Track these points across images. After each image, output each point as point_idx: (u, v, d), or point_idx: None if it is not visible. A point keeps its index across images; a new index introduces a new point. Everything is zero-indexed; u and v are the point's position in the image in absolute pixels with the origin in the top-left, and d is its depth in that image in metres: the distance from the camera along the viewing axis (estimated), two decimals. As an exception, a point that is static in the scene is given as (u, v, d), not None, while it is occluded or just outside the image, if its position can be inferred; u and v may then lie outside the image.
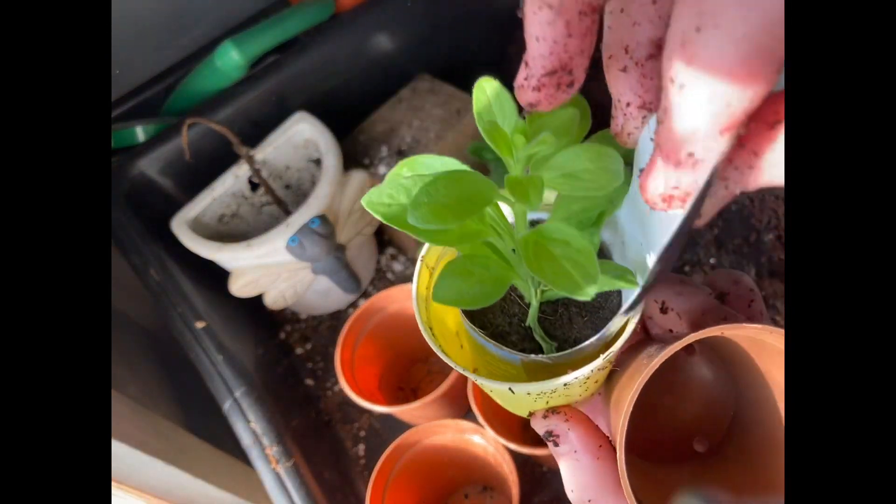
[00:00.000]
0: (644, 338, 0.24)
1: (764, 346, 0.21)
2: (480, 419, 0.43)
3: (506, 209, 0.21)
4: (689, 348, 0.26)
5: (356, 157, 0.57)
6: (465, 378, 0.48)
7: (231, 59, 0.58)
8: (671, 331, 0.23)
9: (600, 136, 0.21)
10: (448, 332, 0.25)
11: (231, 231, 0.57)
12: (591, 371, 0.19)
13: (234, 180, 0.55)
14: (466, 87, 0.59)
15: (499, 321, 0.23)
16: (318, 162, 0.58)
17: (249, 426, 0.46)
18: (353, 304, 0.62)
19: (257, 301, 0.55)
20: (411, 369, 0.57)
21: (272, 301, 0.54)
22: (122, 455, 0.46)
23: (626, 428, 0.19)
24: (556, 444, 0.23)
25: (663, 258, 0.16)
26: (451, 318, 0.25)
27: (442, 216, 0.17)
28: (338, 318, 0.62)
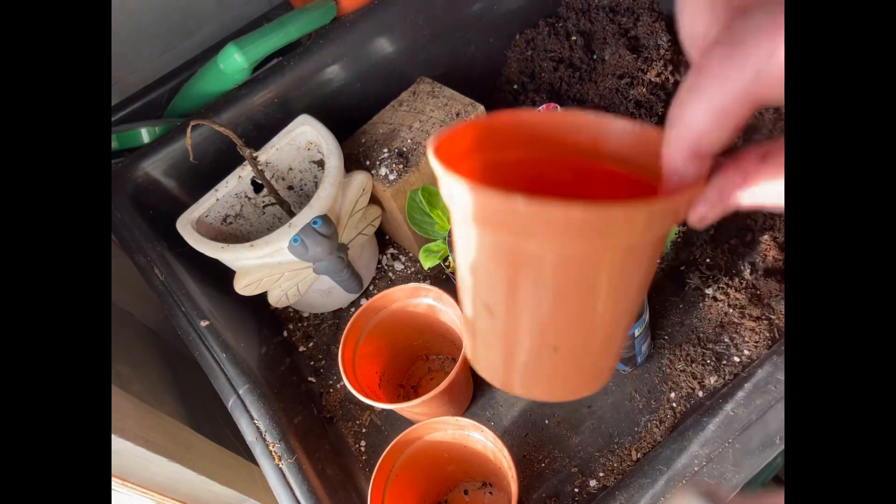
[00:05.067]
0: None
1: None
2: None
3: None
4: None
5: (358, 158, 0.58)
6: (465, 376, 0.49)
7: (234, 62, 0.59)
8: None
9: None
10: None
11: (235, 231, 0.57)
12: None
13: (237, 181, 0.56)
14: (466, 90, 0.60)
15: None
16: (320, 163, 0.59)
17: (253, 423, 0.47)
18: (355, 303, 0.63)
19: (261, 300, 0.55)
20: (412, 367, 0.58)
21: (275, 300, 0.55)
22: (127, 452, 0.47)
23: None
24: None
25: None
26: None
27: None
28: (340, 316, 0.63)
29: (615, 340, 0.25)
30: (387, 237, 0.66)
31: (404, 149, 0.57)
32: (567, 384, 0.25)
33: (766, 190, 0.19)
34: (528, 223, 0.19)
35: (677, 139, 0.19)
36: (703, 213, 0.20)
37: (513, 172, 0.26)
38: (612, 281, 0.21)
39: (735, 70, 0.16)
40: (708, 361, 0.52)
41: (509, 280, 0.21)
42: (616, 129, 0.24)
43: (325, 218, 0.50)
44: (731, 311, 0.53)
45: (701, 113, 0.17)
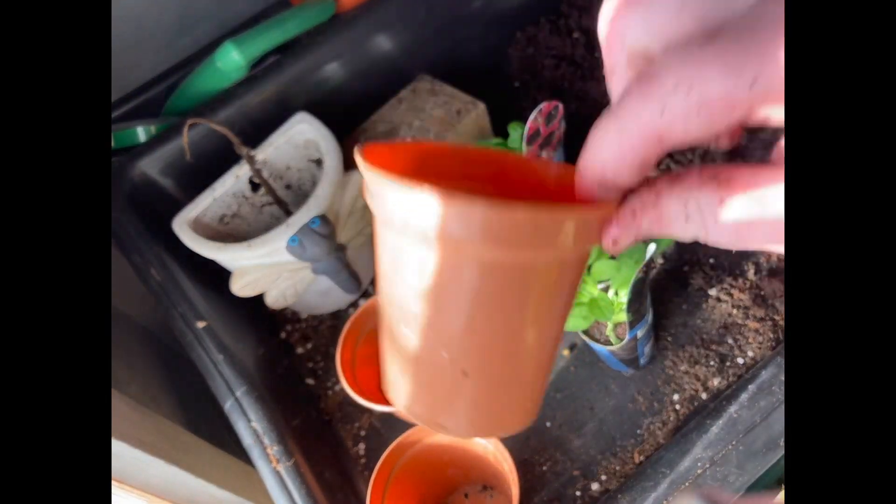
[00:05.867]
0: None
1: None
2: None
3: None
4: None
5: (357, 157, 0.57)
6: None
7: (232, 60, 0.58)
8: None
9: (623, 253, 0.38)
10: None
11: (232, 231, 0.57)
12: None
13: (234, 180, 0.55)
14: (467, 88, 0.59)
15: None
16: (318, 162, 0.58)
17: (250, 425, 0.46)
18: (354, 304, 0.62)
19: (258, 301, 0.55)
20: (411, 369, 0.57)
21: (273, 301, 0.54)
22: (124, 454, 0.46)
23: None
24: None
25: None
26: None
27: None
28: (338, 317, 0.62)
29: (530, 371, 0.23)
30: (386, 237, 0.66)
31: (404, 147, 0.56)
32: (482, 419, 0.23)
33: (674, 211, 0.18)
34: (458, 222, 0.18)
35: (586, 166, 0.19)
36: (616, 235, 0.20)
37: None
38: (527, 301, 0.20)
39: (642, 103, 0.16)
40: (711, 363, 0.51)
41: (427, 289, 0.20)
42: (550, 169, 0.24)
43: (323, 218, 0.50)
44: (734, 311, 0.53)
45: (608, 144, 0.18)
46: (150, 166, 0.57)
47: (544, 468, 0.50)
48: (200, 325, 0.51)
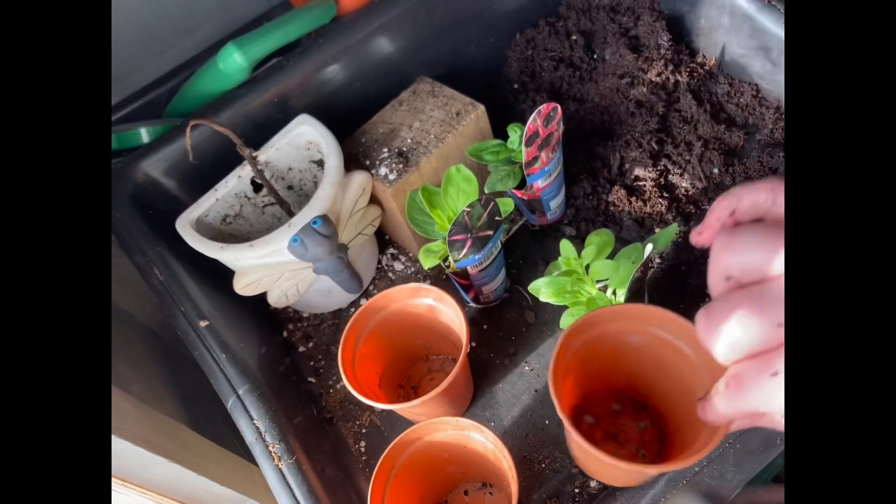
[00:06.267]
0: None
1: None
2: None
3: None
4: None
5: (357, 158, 0.57)
6: (465, 376, 0.49)
7: (234, 62, 0.59)
8: None
9: (621, 253, 0.49)
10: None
11: (234, 231, 0.57)
12: None
13: (237, 181, 0.56)
14: (466, 89, 0.60)
15: None
16: (319, 163, 0.59)
17: (252, 423, 0.47)
18: (355, 303, 0.62)
19: (260, 300, 0.55)
20: (412, 368, 0.58)
21: (275, 300, 0.55)
22: (127, 452, 0.47)
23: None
24: None
25: None
26: None
27: None
28: (340, 316, 0.62)
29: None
30: (387, 237, 0.66)
31: (404, 148, 0.57)
32: (634, 482, 0.45)
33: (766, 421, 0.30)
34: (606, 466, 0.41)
35: (716, 416, 0.28)
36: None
37: (604, 346, 0.42)
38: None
39: (747, 405, 0.25)
40: (709, 362, 0.52)
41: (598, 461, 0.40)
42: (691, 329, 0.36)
43: (324, 218, 0.50)
44: (731, 311, 0.53)
45: (733, 412, 0.27)
46: (154, 167, 0.58)
47: (543, 465, 0.51)
48: (203, 324, 0.51)
